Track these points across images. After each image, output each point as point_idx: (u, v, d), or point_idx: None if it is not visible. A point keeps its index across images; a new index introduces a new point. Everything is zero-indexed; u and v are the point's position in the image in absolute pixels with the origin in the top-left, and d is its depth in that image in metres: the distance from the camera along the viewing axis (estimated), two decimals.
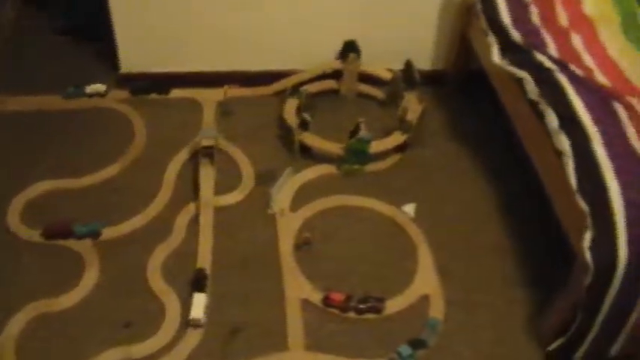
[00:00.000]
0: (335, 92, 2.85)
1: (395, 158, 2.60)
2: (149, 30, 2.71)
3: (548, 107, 2.06)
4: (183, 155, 2.56)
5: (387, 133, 2.65)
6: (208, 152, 2.46)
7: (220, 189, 2.45)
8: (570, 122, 1.99)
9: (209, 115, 2.72)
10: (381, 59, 2.82)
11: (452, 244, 2.35)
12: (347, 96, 2.82)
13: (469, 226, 2.42)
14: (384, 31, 2.79)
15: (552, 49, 2.23)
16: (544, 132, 2.09)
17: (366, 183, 2.53)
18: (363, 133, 2.42)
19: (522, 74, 2.18)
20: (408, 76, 2.73)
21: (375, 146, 2.50)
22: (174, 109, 2.77)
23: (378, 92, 2.84)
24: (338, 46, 2.79)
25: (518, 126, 2.32)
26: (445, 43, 2.86)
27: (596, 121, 1.97)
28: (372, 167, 2.56)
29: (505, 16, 2.35)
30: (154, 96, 2.78)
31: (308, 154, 2.56)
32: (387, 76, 2.79)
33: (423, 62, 2.89)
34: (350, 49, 2.74)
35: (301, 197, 2.45)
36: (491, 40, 2.36)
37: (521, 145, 2.30)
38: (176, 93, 2.82)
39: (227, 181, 2.49)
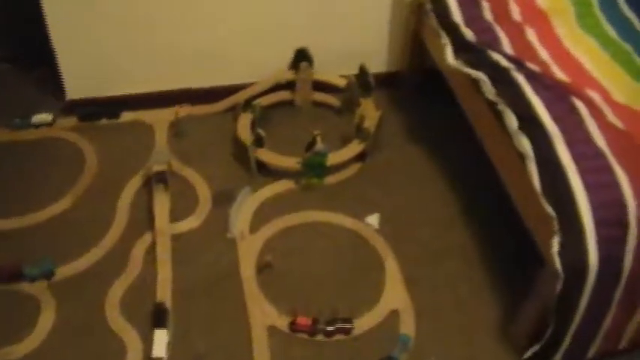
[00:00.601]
0: (290, 103, 2.68)
1: (355, 167, 2.44)
2: (93, 53, 2.51)
3: (507, 108, 1.91)
4: (136, 181, 2.37)
5: (345, 141, 2.49)
6: (161, 177, 2.28)
7: (177, 214, 2.27)
8: (530, 122, 1.85)
9: (161, 137, 2.53)
10: (335, 65, 2.66)
11: (418, 253, 2.21)
12: (302, 106, 2.65)
13: (434, 232, 2.27)
14: (336, 37, 2.63)
15: (507, 45, 2.08)
16: (504, 133, 1.93)
17: (327, 196, 2.36)
18: (319, 146, 2.25)
19: (478, 75, 2.02)
20: (362, 81, 2.57)
21: (333, 158, 2.34)
22: (125, 133, 2.57)
23: (333, 100, 2.67)
24: (289, 55, 2.62)
25: (477, 127, 2.16)
26: (398, 45, 2.70)
27: (557, 119, 1.83)
28: (331, 179, 2.39)
29: (456, 15, 2.19)
30: (103, 121, 2.58)
31: (265, 171, 2.39)
32: (341, 83, 2.62)
33: (378, 65, 2.73)
34: (301, 57, 2.57)
35: (261, 217, 2.28)
36: (444, 40, 2.19)
37: (481, 146, 2.14)
38: (126, 116, 2.62)
39: (183, 205, 2.31)
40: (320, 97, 2.67)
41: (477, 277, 2.15)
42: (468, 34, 2.11)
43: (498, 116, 1.96)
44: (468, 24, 2.15)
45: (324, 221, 2.27)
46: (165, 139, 2.53)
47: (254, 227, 2.24)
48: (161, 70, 2.58)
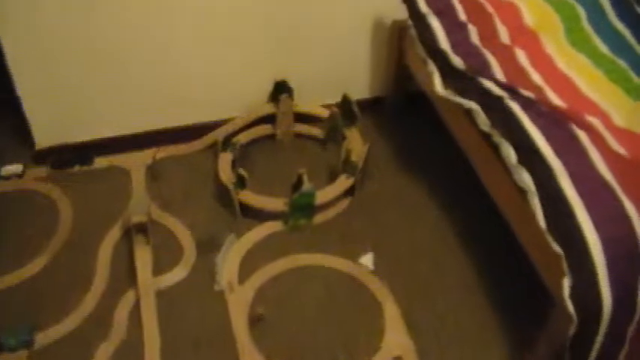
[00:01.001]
0: (271, 137, 2.50)
1: (343, 203, 2.27)
2: (61, 98, 2.30)
3: (503, 140, 1.75)
4: (115, 233, 2.18)
5: (331, 174, 2.32)
6: (141, 229, 2.10)
7: (160, 267, 2.07)
8: (530, 155, 1.69)
9: (138, 182, 2.34)
10: (317, 95, 2.50)
11: (417, 291, 2.04)
12: (284, 140, 2.47)
13: (432, 268, 2.10)
14: (316, 65, 2.46)
15: (497, 70, 1.92)
16: (502, 165, 1.79)
17: (317, 236, 2.18)
18: (306, 186, 2.08)
19: (470, 105, 1.86)
20: (346, 111, 2.41)
21: (321, 196, 2.16)
22: (101, 180, 2.37)
23: (316, 131, 2.50)
24: (268, 87, 2.44)
25: (472, 158, 2.00)
26: (381, 69, 2.54)
27: (558, 151, 1.67)
28: (320, 217, 2.22)
29: (443, 41, 2.02)
30: (77, 168, 2.38)
31: (250, 213, 2.21)
32: (324, 113, 2.45)
33: (361, 91, 2.58)
34: (281, 89, 2.39)
35: (249, 264, 2.09)
36: (432, 68, 2.02)
37: (476, 173, 2.00)
38: (100, 162, 2.42)
39: (166, 256, 2.11)
40: (302, 128, 2.51)
41: (482, 313, 2.00)
42: (456, 60, 1.94)
43: (494, 148, 1.81)
44: (455, 49, 1.98)
45: (316, 265, 2.10)
46: (143, 183, 2.34)
47: (242, 276, 2.06)
48: (134, 110, 2.39)
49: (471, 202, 2.27)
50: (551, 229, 1.61)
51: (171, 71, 2.33)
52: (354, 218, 2.25)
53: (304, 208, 2.13)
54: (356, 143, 2.34)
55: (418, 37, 2.10)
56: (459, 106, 1.92)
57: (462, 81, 1.93)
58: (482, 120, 1.83)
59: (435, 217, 2.26)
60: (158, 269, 2.07)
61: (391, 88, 2.54)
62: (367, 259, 2.09)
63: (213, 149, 2.40)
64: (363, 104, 2.52)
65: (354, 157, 2.24)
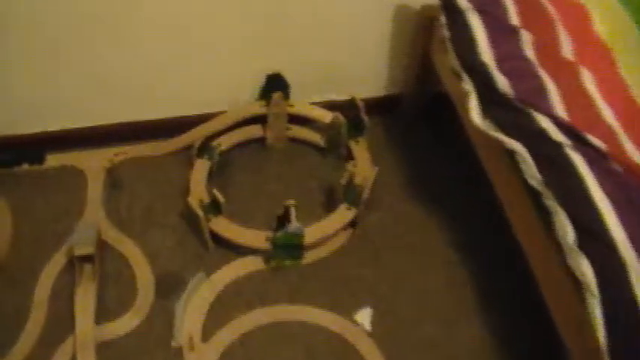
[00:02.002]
0: (261, 141, 1.92)
1: (341, 237, 1.72)
2: (5, 80, 1.72)
3: (559, 207, 1.20)
4: (60, 258, 1.66)
5: (329, 195, 1.77)
6: (86, 261, 1.59)
7: (107, 311, 1.57)
8: (595, 240, 1.14)
9: (95, 191, 1.79)
10: (318, 90, 1.91)
11: (421, 358, 1.55)
12: (275, 146, 1.89)
13: (442, 332, 1.58)
14: (318, 54, 1.84)
15: (556, 100, 1.31)
16: (549, 237, 1.24)
17: (305, 281, 1.65)
18: (293, 226, 1.53)
19: (516, 147, 1.29)
20: (352, 118, 1.82)
21: (313, 233, 1.61)
22: (51, 184, 1.82)
23: (315, 136, 1.91)
24: (260, 80, 1.85)
25: (505, 202, 1.43)
26: (399, 63, 1.92)
27: (636, 239, 1.12)
28: (311, 255, 1.68)
29: (485, 50, 1.40)
30: (25, 167, 1.83)
31: (225, 243, 1.67)
32: (326, 117, 1.86)
33: (372, 88, 1.96)
34: (274, 84, 1.81)
35: (218, 314, 1.59)
36: (467, 86, 1.42)
37: (503, 211, 1.44)
38: (53, 160, 1.86)
39: (116, 296, 1.61)
40: (298, 132, 1.91)
41: None
42: (502, 82, 1.34)
43: (541, 208, 1.26)
44: (501, 65, 1.37)
45: (300, 320, 1.58)
46: (101, 192, 1.79)
47: (208, 331, 1.55)
48: (96, 99, 1.81)
49: (494, 248, 1.72)
50: (615, 349, 1.11)
51: (143, 53, 1.73)
52: (352, 259, 1.70)
53: (290, 248, 1.60)
54: (362, 162, 1.77)
55: (451, 42, 1.48)
56: (499, 142, 1.36)
57: (507, 111, 1.34)
58: (531, 171, 1.26)
59: (450, 263, 1.71)
60: (104, 313, 1.57)
61: (410, 87, 1.93)
62: (364, 316, 1.58)
63: (188, 153, 1.83)
64: (374, 104, 1.94)
65: (358, 181, 1.69)
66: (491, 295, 1.66)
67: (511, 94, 1.33)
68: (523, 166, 1.29)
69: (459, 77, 1.47)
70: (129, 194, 1.80)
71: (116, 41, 1.68)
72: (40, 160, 1.86)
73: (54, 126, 1.85)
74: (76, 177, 1.84)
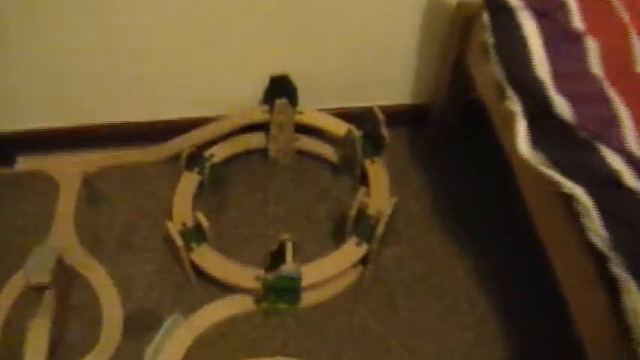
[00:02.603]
0: (262, 153, 1.62)
1: (350, 276, 1.40)
2: None
3: (632, 281, 0.88)
4: (20, 281, 1.37)
5: (338, 225, 1.46)
6: (42, 291, 1.31)
7: (69, 349, 1.30)
8: None
9: (67, 203, 1.51)
10: (331, 96, 1.60)
11: None
12: (278, 160, 1.59)
13: None
14: (334, 55, 1.52)
15: (631, 133, 0.99)
16: (610, 304, 0.92)
17: (302, 328, 1.34)
18: (287, 268, 1.23)
19: (576, 192, 0.97)
20: (370, 132, 1.51)
21: (312, 274, 1.30)
22: (21, 190, 1.55)
23: (327, 150, 1.60)
24: (264, 82, 1.54)
25: (557, 262, 1.09)
26: (429, 71, 1.59)
27: None
28: (311, 298, 1.36)
29: (541, 65, 1.07)
30: None
31: (209, 277, 1.37)
32: (339, 130, 1.54)
33: (394, 95, 1.64)
34: (279, 88, 1.51)
35: None
36: (514, 106, 1.09)
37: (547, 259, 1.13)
38: (24, 164, 1.60)
39: (79, 332, 1.32)
40: (307, 145, 1.60)
41: None
42: (560, 104, 1.02)
43: (604, 273, 0.94)
44: (560, 82, 1.05)
45: None
46: (74, 205, 1.51)
47: None
48: (76, 96, 1.52)
49: (536, 302, 1.39)
50: None
51: (129, 43, 1.42)
52: (360, 304, 1.38)
53: (283, 291, 1.30)
54: (378, 188, 1.45)
55: (496, 50, 1.15)
56: (553, 181, 1.03)
57: (566, 143, 1.02)
58: (594, 227, 0.93)
59: (482, 316, 1.37)
60: (65, 352, 1.29)
61: (440, 96, 1.60)
62: None
63: (179, 162, 1.52)
64: (396, 115, 1.62)
65: (371, 212, 1.37)
66: (527, 357, 1.34)
67: (573, 121, 1.01)
68: (585, 219, 0.97)
69: (502, 94, 1.14)
70: (106, 209, 1.52)
71: (102, 27, 1.39)
72: (9, 162, 1.60)
73: (26, 124, 1.57)
74: (46, 185, 1.56)
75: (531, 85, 1.06)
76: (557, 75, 1.06)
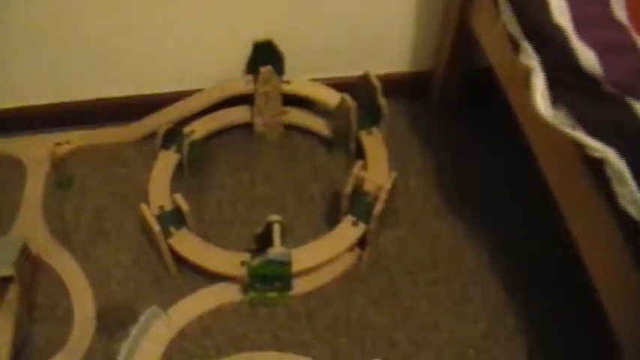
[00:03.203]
0: (248, 128, 1.46)
1: (346, 261, 1.25)
2: None
3: None
4: None
5: (332, 207, 1.32)
6: (7, 283, 1.20)
7: (36, 349, 1.16)
8: None
9: (34, 188, 1.36)
10: (321, 64, 1.44)
11: None
12: (265, 135, 1.44)
13: None
14: (324, 18, 1.37)
15: None
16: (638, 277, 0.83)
17: (294, 320, 1.20)
18: (275, 252, 1.09)
19: (607, 154, 0.82)
20: (366, 101, 1.36)
21: (303, 259, 1.16)
22: None
23: (317, 124, 1.44)
24: (248, 49, 1.39)
25: (581, 240, 0.96)
26: (430, 33, 1.43)
27: None
28: (304, 285, 1.22)
29: (560, 11, 0.92)
30: None
31: (190, 266, 1.24)
32: (331, 98, 1.39)
33: (392, 61, 1.49)
34: (264, 56, 1.35)
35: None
36: (530, 60, 0.94)
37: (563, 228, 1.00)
38: None
39: (47, 331, 1.19)
40: (296, 118, 1.45)
41: None
42: (587, 56, 0.87)
43: (637, 245, 0.81)
44: (582, 30, 0.90)
45: None
46: (42, 190, 1.37)
47: None
48: (40, 70, 1.37)
49: (556, 287, 1.25)
50: None
51: (97, 15, 1.28)
52: (358, 292, 1.25)
53: (272, 279, 1.16)
54: (375, 162, 1.30)
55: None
56: (576, 143, 0.90)
57: (592, 99, 0.87)
58: (628, 193, 0.80)
59: (494, 305, 1.22)
60: (31, 353, 1.16)
61: (443, 61, 1.44)
62: None
63: (154, 141, 1.37)
64: (395, 84, 1.47)
65: (369, 188, 1.23)
66: (546, 351, 1.19)
67: (600, 74, 0.87)
68: (616, 186, 0.84)
69: (516, 47, 1.00)
70: (77, 194, 1.37)
71: None
72: None
73: None
74: (13, 168, 1.42)
75: (551, 34, 0.91)
76: (579, 22, 0.91)
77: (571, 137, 0.89)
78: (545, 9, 0.93)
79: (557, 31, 0.91)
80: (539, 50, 0.94)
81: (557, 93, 0.91)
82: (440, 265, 1.29)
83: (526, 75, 0.98)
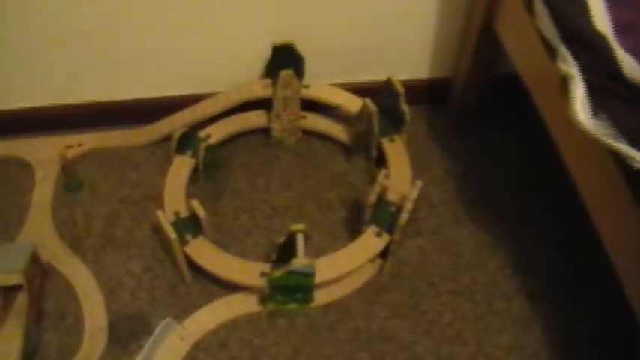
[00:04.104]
0: (265, 133, 1.43)
1: (368, 271, 1.23)
2: None
3: None
4: None
5: (353, 214, 1.29)
6: (16, 291, 1.17)
7: (43, 358, 1.12)
8: None
9: (43, 192, 1.33)
10: (342, 68, 1.41)
11: None
12: (283, 140, 1.41)
13: None
14: (346, 22, 1.33)
15: None
16: None
17: (314, 332, 1.17)
18: (298, 263, 1.05)
19: None
20: (389, 108, 1.32)
21: (325, 270, 1.12)
22: None
23: (337, 130, 1.41)
24: (267, 52, 1.35)
25: (610, 244, 0.93)
26: (452, 38, 1.39)
27: None
28: (324, 296, 1.18)
29: (600, 16, 0.88)
30: None
31: (206, 275, 1.19)
32: (352, 105, 1.36)
33: (413, 68, 1.45)
34: (283, 60, 1.31)
35: None
36: (568, 68, 0.90)
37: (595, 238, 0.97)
38: None
39: (57, 341, 1.15)
40: (315, 123, 1.41)
41: None
42: (629, 64, 0.84)
43: None
44: (624, 37, 0.87)
45: None
46: (52, 192, 1.34)
47: None
48: (52, 71, 1.33)
49: (585, 301, 1.21)
50: None
51: (113, 16, 1.24)
52: (380, 304, 1.21)
53: (293, 290, 1.12)
54: (398, 171, 1.26)
55: (545, 0, 0.96)
56: (616, 153, 0.86)
57: (635, 108, 0.84)
58: None
59: (522, 320, 1.19)
60: None
61: (463, 68, 1.41)
62: None
63: (168, 145, 1.33)
64: (417, 90, 1.44)
65: (392, 198, 1.20)
66: None
67: None
68: None
69: (552, 53, 0.97)
70: (88, 199, 1.34)
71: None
72: None
73: (4, 104, 1.39)
74: (22, 172, 1.38)
75: (591, 40, 0.88)
76: (620, 27, 0.87)
77: (612, 148, 0.86)
78: (585, 14, 0.90)
79: (598, 37, 0.87)
80: (579, 57, 0.90)
81: (598, 101, 0.88)
82: (462, 275, 1.26)
83: (562, 82, 0.95)
